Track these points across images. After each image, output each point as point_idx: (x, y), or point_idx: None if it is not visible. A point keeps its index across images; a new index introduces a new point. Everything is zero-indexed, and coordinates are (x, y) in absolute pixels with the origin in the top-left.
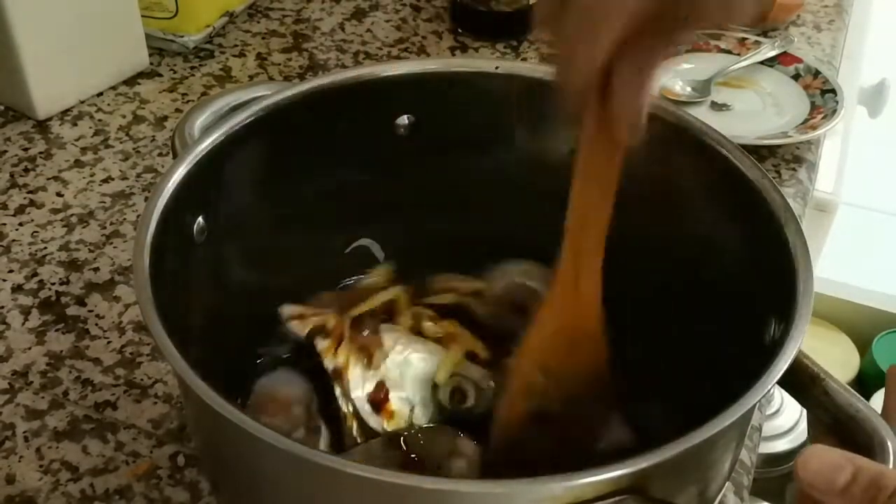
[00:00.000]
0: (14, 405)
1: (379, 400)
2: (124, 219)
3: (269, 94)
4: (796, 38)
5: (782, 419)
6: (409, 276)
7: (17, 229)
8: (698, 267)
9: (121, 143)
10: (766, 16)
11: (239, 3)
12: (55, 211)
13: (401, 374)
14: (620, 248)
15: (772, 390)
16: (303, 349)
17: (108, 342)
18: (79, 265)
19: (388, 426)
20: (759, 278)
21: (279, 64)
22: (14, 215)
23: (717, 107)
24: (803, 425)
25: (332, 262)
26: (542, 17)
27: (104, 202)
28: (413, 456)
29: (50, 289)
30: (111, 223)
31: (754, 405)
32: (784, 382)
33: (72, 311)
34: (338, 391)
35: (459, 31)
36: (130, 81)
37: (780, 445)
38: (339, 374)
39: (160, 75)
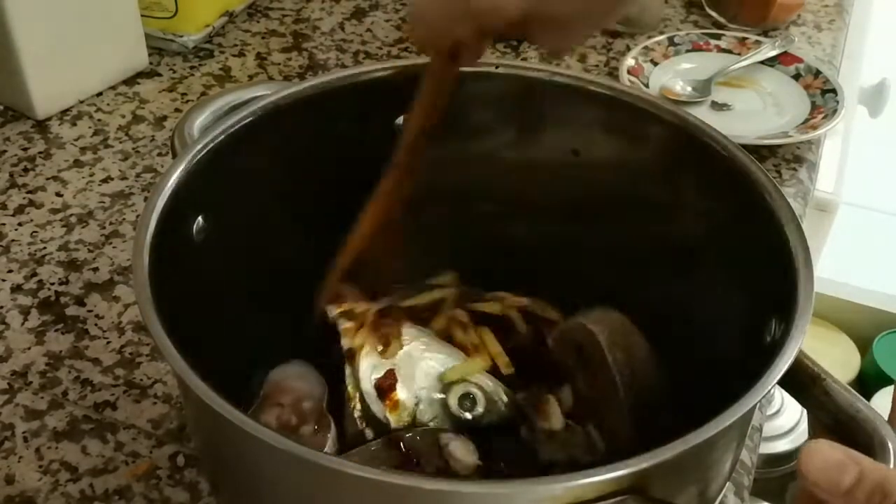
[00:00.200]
0: (13, 405)
1: (385, 387)
2: (124, 219)
3: (268, 94)
4: (797, 37)
5: (783, 419)
6: (410, 272)
7: (16, 229)
8: (698, 267)
9: (120, 142)
10: (766, 16)
11: (239, 3)
12: (54, 211)
13: (413, 368)
14: (620, 247)
15: (772, 390)
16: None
17: (108, 342)
18: (78, 265)
19: (391, 417)
20: (759, 278)
21: (279, 64)
22: (13, 215)
23: (718, 106)
24: (804, 426)
25: (332, 262)
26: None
27: (103, 202)
28: (410, 454)
29: (49, 289)
30: (111, 223)
31: (754, 405)
32: (784, 382)
33: (71, 311)
34: (348, 371)
35: None
36: (130, 81)
37: (781, 446)
38: (352, 356)
39: (160, 75)
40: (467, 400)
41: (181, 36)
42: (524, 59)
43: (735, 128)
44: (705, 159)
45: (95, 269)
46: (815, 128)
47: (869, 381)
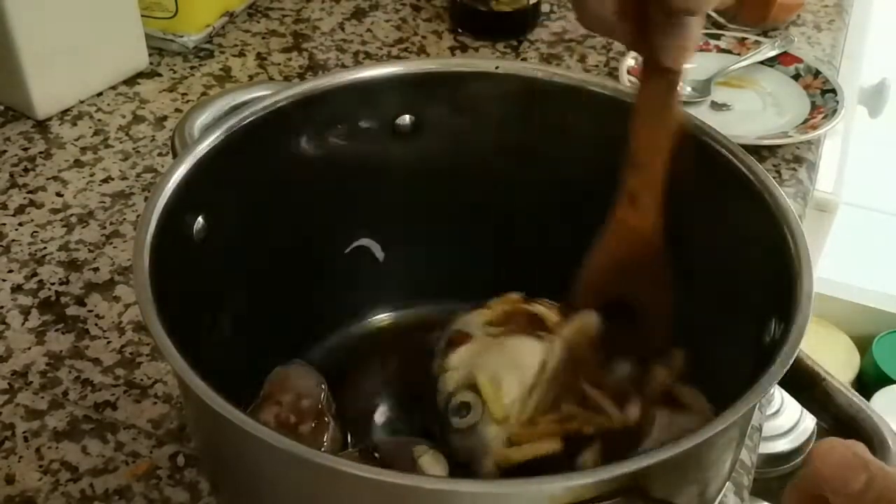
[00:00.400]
0: (14, 405)
1: (457, 340)
2: (124, 219)
3: (269, 94)
4: (796, 37)
5: (782, 419)
6: (410, 273)
7: (16, 229)
8: (698, 267)
9: (120, 142)
10: (766, 16)
11: (239, 3)
12: (55, 211)
13: (494, 360)
14: None
15: (772, 390)
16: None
17: (108, 342)
18: (78, 265)
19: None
20: (759, 278)
21: (279, 64)
22: (14, 215)
23: (718, 107)
24: (803, 425)
25: (332, 262)
26: None
27: (104, 202)
28: (384, 463)
29: (50, 289)
30: (111, 223)
31: (754, 405)
32: (784, 382)
33: (71, 311)
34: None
35: (459, 30)
36: (130, 81)
37: (781, 445)
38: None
39: (160, 75)
40: (464, 408)
41: (181, 36)
42: (524, 59)
43: (735, 128)
44: (705, 159)
45: (96, 269)
46: (814, 128)
47: (869, 381)
